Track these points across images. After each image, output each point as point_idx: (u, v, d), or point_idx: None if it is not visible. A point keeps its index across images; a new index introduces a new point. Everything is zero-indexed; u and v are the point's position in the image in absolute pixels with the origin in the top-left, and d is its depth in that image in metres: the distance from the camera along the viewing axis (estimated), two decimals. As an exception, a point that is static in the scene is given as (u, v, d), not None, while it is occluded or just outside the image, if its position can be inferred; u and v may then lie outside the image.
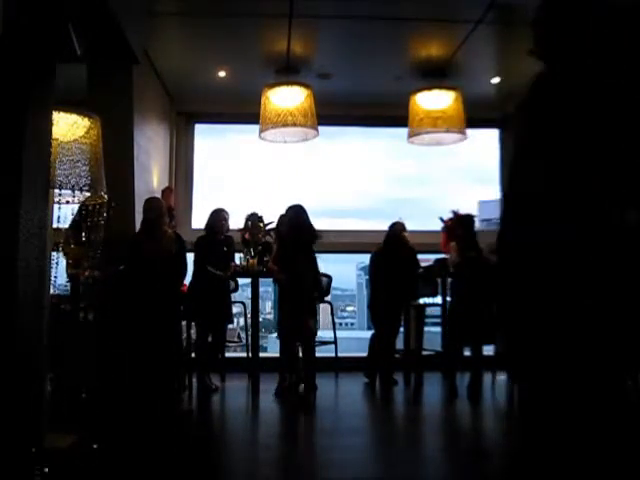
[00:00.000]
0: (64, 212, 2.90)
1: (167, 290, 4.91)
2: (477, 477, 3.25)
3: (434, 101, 6.51)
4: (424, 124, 6.54)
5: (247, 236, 6.09)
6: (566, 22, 2.03)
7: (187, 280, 5.63)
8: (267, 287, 7.94)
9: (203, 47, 6.20)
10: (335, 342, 6.49)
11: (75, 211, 3.17)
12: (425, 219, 7.24)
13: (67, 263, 3.91)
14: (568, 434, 2.13)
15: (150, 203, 5.13)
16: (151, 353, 4.55)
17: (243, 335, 7.15)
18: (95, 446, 3.01)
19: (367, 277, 7.11)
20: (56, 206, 2.88)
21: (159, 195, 6.25)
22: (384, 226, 6.20)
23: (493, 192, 8.25)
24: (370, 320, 6.51)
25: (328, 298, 6.70)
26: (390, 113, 7.27)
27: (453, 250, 5.64)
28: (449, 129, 6.52)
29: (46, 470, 2.54)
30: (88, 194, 2.88)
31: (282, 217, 5.73)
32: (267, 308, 10.40)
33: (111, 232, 4.12)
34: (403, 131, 6.80)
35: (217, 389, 5.57)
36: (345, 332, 10.69)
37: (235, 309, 6.40)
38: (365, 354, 6.26)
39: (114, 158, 3.89)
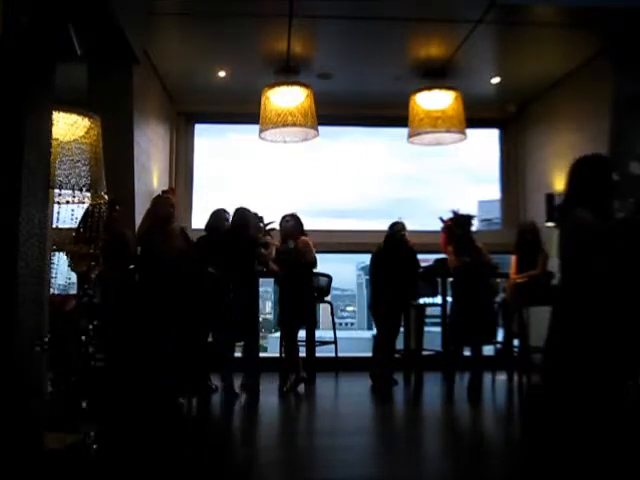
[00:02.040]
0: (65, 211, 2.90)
1: (185, 290, 4.85)
2: (477, 477, 3.25)
3: (434, 101, 6.50)
4: (424, 124, 6.54)
5: (247, 236, 6.08)
6: None
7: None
8: (267, 287, 7.94)
9: (203, 47, 6.20)
10: (335, 342, 6.49)
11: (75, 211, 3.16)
12: (425, 219, 7.23)
13: (72, 262, 3.89)
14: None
15: (161, 199, 5.08)
16: (163, 354, 4.51)
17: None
18: (95, 446, 3.01)
19: (367, 277, 7.10)
20: (56, 206, 2.88)
21: (164, 193, 6.31)
22: (384, 226, 6.19)
23: (493, 192, 8.26)
24: (373, 320, 6.51)
25: (328, 298, 6.70)
26: (390, 113, 7.27)
27: (451, 253, 5.65)
28: (449, 129, 6.52)
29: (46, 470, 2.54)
30: (88, 194, 2.88)
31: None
32: (267, 308, 10.41)
33: (113, 232, 4.15)
34: (403, 131, 6.80)
35: (217, 389, 5.57)
36: (345, 332, 10.70)
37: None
38: (365, 354, 6.26)
39: (114, 158, 3.89)
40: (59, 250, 3.03)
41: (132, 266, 4.74)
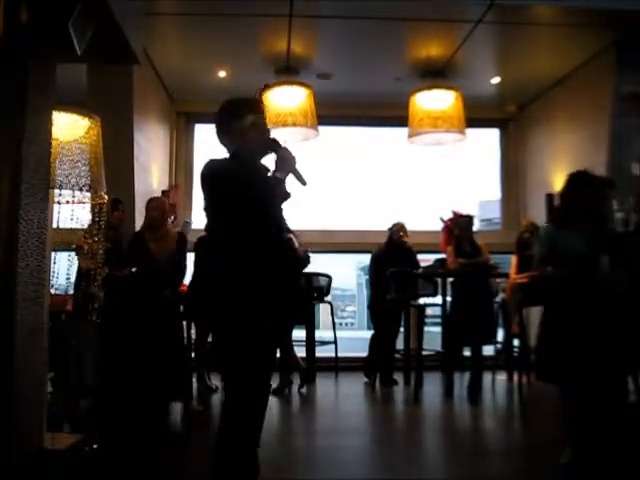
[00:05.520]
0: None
1: (170, 291, 4.87)
2: (477, 477, 3.25)
3: (434, 101, 6.50)
4: (424, 124, 6.54)
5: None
6: None
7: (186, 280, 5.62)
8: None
9: (203, 47, 6.20)
10: (335, 342, 6.49)
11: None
12: (425, 219, 7.22)
13: (79, 258, 3.89)
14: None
15: (153, 202, 5.09)
16: (153, 355, 4.51)
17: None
18: (95, 446, 3.01)
19: (367, 277, 7.10)
20: (56, 206, 2.88)
21: (164, 193, 6.39)
22: (384, 226, 6.20)
23: (493, 192, 8.26)
24: (370, 320, 6.51)
25: (328, 298, 6.70)
26: (390, 113, 7.27)
27: (451, 253, 5.65)
28: (449, 129, 6.52)
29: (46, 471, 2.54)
30: (88, 194, 2.88)
31: None
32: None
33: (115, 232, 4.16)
34: (403, 131, 6.80)
35: (217, 389, 5.57)
36: (345, 332, 10.67)
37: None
38: (365, 354, 6.26)
39: (114, 158, 3.89)
40: (59, 250, 3.03)
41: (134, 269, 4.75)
